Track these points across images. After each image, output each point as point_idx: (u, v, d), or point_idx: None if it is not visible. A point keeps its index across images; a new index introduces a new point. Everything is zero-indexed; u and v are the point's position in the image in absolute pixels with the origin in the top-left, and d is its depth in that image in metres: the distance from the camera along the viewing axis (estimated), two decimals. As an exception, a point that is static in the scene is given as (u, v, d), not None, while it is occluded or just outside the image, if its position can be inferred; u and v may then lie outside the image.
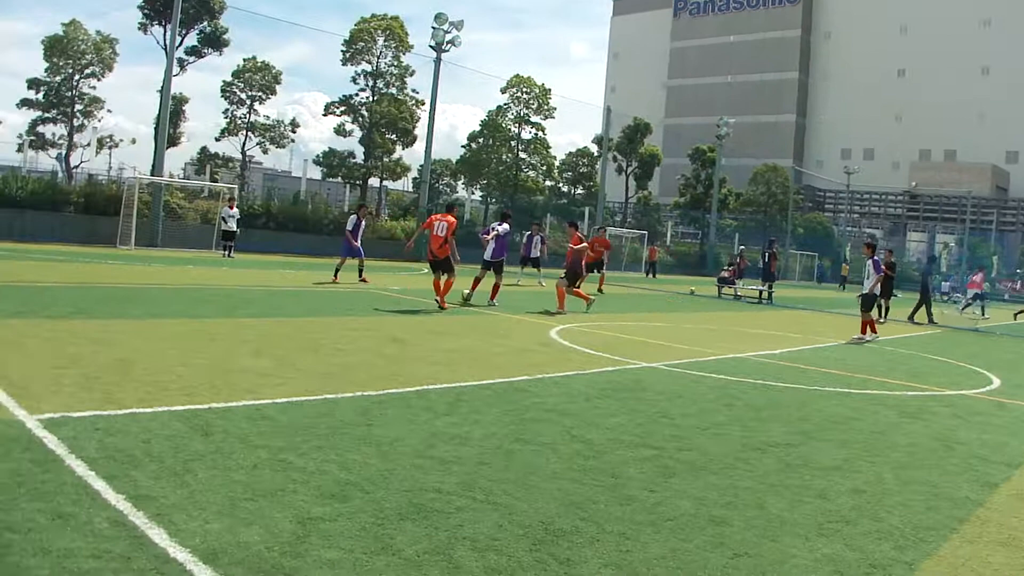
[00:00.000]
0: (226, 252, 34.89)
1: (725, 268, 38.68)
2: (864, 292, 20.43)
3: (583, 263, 21.82)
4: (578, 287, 21.42)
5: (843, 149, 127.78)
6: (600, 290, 29.51)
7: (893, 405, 10.94)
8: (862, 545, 5.36)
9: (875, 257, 20.59)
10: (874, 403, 11.04)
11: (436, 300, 18.99)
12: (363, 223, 25.63)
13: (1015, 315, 36.97)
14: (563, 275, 21.16)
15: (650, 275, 55.29)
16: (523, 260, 32.19)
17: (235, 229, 35.41)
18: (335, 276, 24.07)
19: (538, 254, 31.54)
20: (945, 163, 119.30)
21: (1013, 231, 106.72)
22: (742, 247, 46.06)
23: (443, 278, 19.09)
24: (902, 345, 20.09)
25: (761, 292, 34.52)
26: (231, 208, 35.85)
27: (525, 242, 32.56)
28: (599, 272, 31.62)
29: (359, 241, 25.16)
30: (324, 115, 56.03)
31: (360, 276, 24.63)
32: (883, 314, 28.43)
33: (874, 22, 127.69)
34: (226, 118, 54.73)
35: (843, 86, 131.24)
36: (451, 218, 19.31)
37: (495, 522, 5.11)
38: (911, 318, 29.84)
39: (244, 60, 54.63)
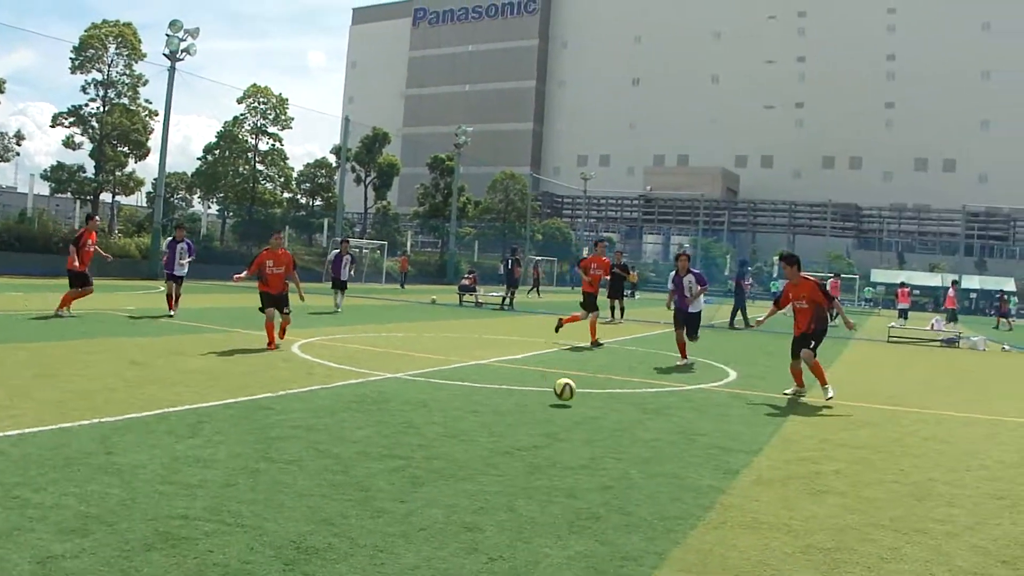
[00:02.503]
0: None
1: (466, 276, 39.13)
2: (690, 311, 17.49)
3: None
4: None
5: (580, 156, 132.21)
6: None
7: (635, 402, 11.40)
8: (613, 539, 5.59)
9: (695, 270, 17.77)
10: (617, 401, 11.48)
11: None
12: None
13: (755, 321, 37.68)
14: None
15: (402, 285, 55.50)
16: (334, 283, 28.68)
17: None
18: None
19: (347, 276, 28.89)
20: (678, 167, 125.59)
21: (743, 231, 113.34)
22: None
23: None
24: (641, 344, 20.88)
25: (503, 299, 35.03)
26: None
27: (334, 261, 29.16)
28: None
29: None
30: (52, 127, 53.25)
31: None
32: (618, 315, 29.35)
33: (609, 32, 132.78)
34: (-63, 130, 51.41)
35: (579, 94, 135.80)
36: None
37: (245, 545, 5.05)
38: (731, 324, 30.22)
39: (-42, 68, 51.59)
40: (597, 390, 12.52)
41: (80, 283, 20.01)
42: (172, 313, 20.84)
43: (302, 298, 16.92)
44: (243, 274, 16.29)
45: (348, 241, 32.85)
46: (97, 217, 22.99)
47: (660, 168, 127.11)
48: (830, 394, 12.21)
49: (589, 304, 19.68)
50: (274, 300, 15.88)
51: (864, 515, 6.54)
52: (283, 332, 16.19)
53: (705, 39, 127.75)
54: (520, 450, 8.08)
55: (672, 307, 17.64)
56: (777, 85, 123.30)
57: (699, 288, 17.30)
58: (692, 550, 5.49)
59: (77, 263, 19.97)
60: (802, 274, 13.17)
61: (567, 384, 10.83)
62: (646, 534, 5.75)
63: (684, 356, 16.94)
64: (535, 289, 53.85)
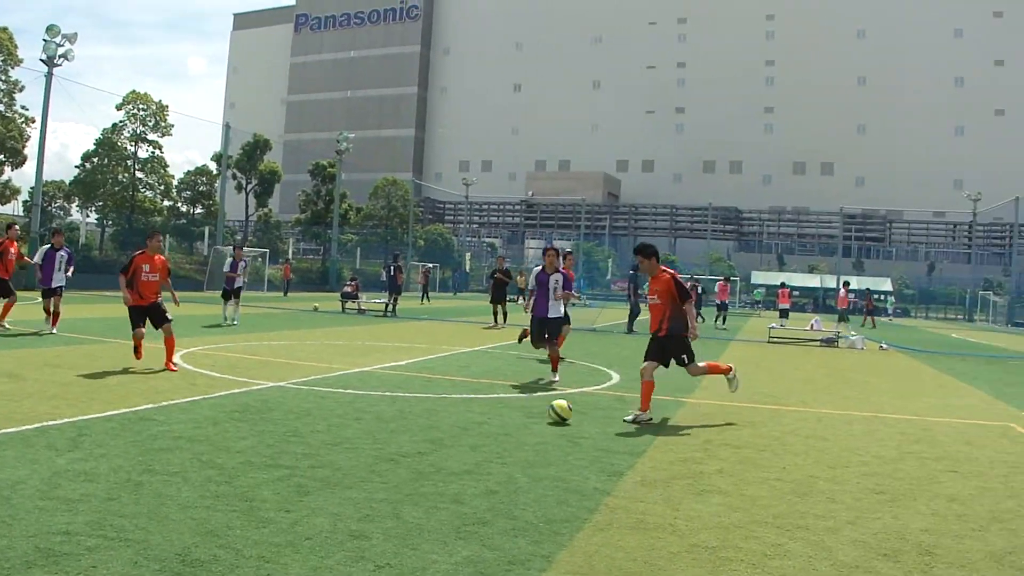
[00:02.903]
0: None
1: (348, 283, 38.98)
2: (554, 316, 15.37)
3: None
4: None
5: (461, 161, 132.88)
6: None
7: (519, 407, 11.46)
8: (500, 544, 5.62)
9: (563, 270, 15.46)
10: (501, 406, 11.54)
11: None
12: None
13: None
14: None
15: (285, 293, 54.92)
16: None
17: None
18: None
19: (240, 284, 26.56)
20: (560, 172, 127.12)
21: (625, 235, 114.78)
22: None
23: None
24: (526, 349, 20.88)
25: (386, 305, 34.93)
26: None
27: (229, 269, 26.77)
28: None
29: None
30: (-79, 135, 51.29)
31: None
32: (501, 320, 29.48)
33: (491, 39, 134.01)
34: None
35: (461, 100, 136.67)
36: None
37: (129, 559, 4.96)
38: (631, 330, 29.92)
39: None
40: (482, 395, 12.58)
41: (3, 293, 19.35)
42: (55, 331, 19.54)
43: (176, 303, 15.28)
44: (126, 291, 14.02)
45: (241, 248, 30.59)
46: (16, 226, 21.91)
47: (542, 173, 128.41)
48: (734, 386, 11.92)
49: None
50: (145, 313, 14.09)
51: (747, 513, 6.70)
52: (171, 353, 14.21)
53: (586, 45, 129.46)
54: (405, 456, 8.08)
55: (529, 312, 15.56)
56: (658, 90, 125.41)
57: (564, 292, 15.11)
58: (579, 552, 5.55)
59: (1, 272, 19.44)
60: (661, 267, 11.45)
61: (550, 407, 10.54)
62: (532, 538, 5.80)
63: (556, 369, 15.16)
64: (424, 296, 54.03)
